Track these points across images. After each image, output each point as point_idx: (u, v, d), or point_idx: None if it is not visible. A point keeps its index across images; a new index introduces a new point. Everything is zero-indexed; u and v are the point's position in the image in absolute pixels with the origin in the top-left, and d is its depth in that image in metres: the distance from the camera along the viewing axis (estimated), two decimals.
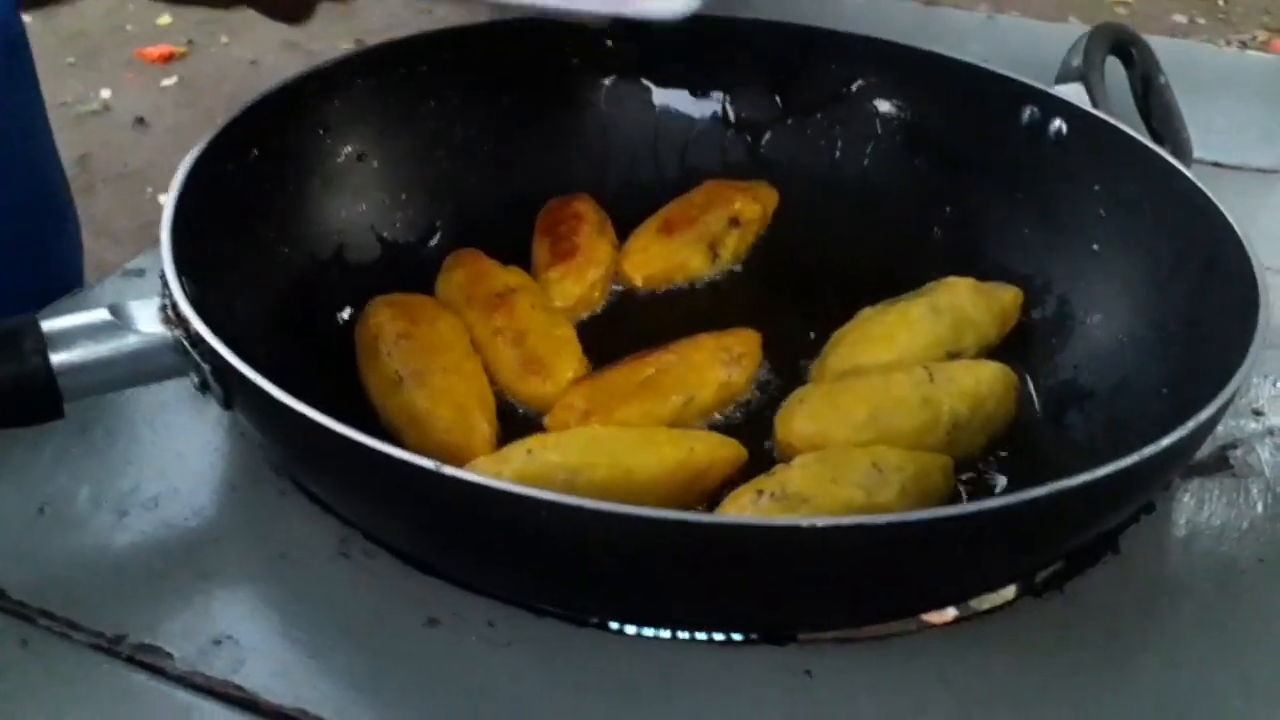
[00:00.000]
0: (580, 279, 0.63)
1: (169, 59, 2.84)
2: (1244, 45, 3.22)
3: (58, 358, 0.40)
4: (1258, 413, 0.54)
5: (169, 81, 2.77)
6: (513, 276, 0.62)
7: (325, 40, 2.97)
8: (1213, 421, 0.42)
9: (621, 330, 0.62)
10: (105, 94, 2.71)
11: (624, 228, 0.68)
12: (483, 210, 0.68)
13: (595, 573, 0.37)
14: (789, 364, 0.59)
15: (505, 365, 0.56)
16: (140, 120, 2.65)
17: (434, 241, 0.66)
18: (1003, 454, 0.54)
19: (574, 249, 0.65)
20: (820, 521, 0.33)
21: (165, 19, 2.93)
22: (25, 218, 0.67)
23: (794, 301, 0.65)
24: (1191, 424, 0.40)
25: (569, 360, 0.57)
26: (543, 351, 0.57)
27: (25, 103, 0.69)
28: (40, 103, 0.71)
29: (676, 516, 0.34)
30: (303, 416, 0.38)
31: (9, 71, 0.66)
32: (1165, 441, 0.39)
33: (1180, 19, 3.37)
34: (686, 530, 0.34)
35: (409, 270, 0.63)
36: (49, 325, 0.41)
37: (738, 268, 0.68)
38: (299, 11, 0.60)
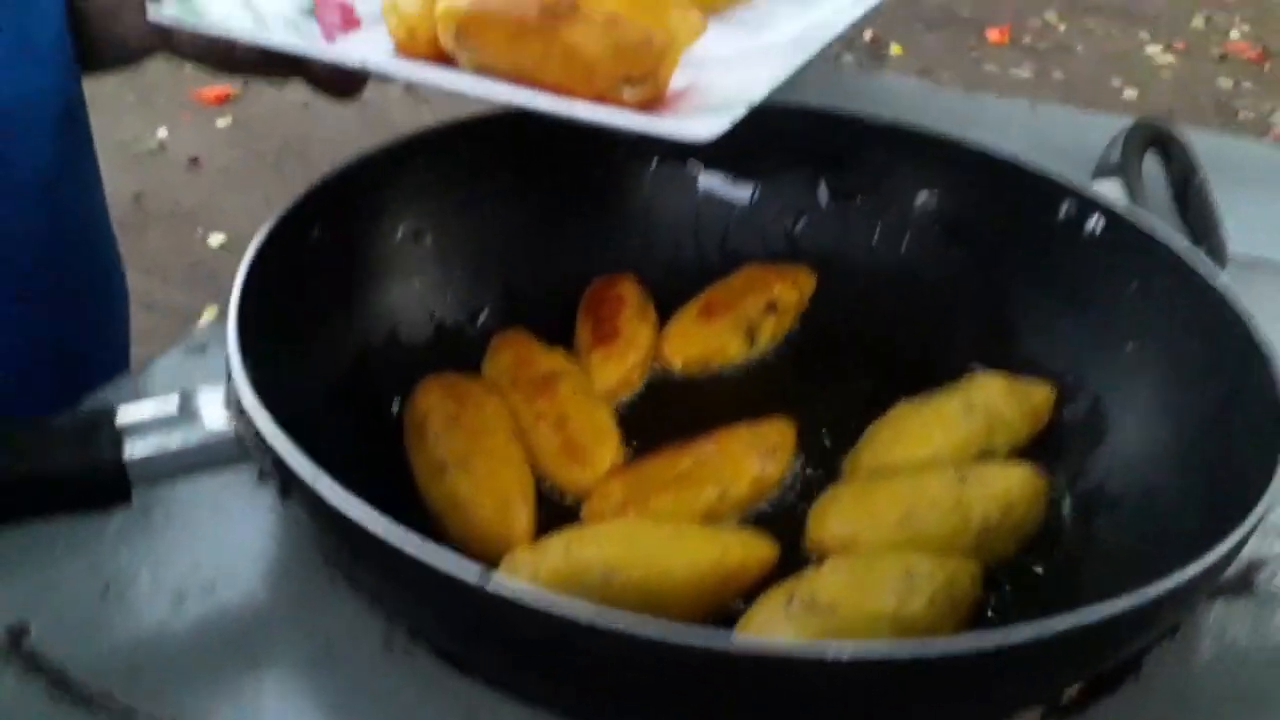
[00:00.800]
0: (621, 362, 0.65)
1: (224, 100, 2.93)
2: None
3: (130, 449, 0.43)
4: None
5: (223, 122, 2.85)
6: (556, 360, 0.63)
7: (376, 87, 3.06)
8: (1234, 551, 0.42)
9: (660, 413, 0.64)
10: (162, 133, 2.80)
11: (665, 308, 0.70)
12: (530, 288, 0.70)
13: (628, 687, 0.39)
14: (823, 455, 0.60)
15: (546, 450, 0.58)
16: (194, 160, 2.72)
17: (483, 319, 0.68)
18: (1030, 558, 0.55)
19: (616, 332, 0.66)
20: (845, 654, 0.35)
21: None
22: (78, 290, 0.70)
23: (829, 388, 0.67)
24: (1211, 556, 0.41)
25: (608, 447, 0.58)
26: (583, 438, 0.58)
27: (83, 172, 0.71)
28: (97, 172, 0.73)
29: (703, 643, 0.35)
30: (354, 521, 0.39)
31: (67, 139, 0.68)
32: (1187, 574, 0.40)
33: (1225, 83, 3.36)
34: (712, 656, 0.35)
35: (458, 348, 0.65)
36: (123, 417, 0.43)
37: (775, 352, 0.70)
38: (349, 88, 0.63)
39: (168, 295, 2.28)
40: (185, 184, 2.65)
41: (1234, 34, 3.70)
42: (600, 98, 0.51)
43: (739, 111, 0.49)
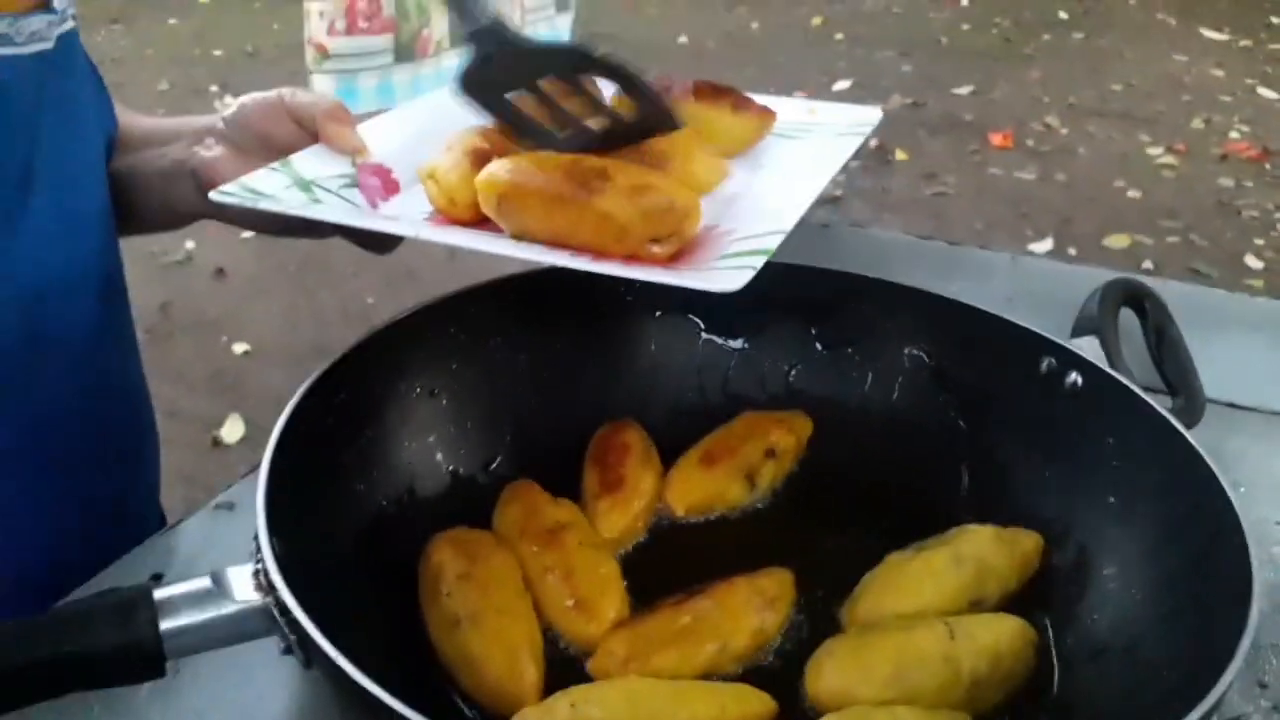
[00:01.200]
0: (626, 511, 0.68)
1: None
2: None
3: (165, 625, 0.46)
4: (1263, 685, 0.56)
5: (248, 234, 2.95)
6: (563, 511, 0.67)
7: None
8: (1208, 715, 0.45)
9: (664, 558, 0.67)
10: (189, 245, 2.89)
11: (668, 452, 0.73)
12: (539, 434, 0.74)
13: None
14: (819, 602, 0.63)
15: (553, 603, 0.61)
16: (220, 271, 2.81)
17: (494, 467, 0.72)
18: (1018, 710, 0.57)
19: (621, 480, 0.70)
20: None
21: None
22: (116, 451, 0.73)
23: (825, 532, 0.70)
24: None
25: (612, 600, 0.61)
26: (588, 591, 0.61)
27: (121, 336, 0.75)
28: (133, 336, 0.77)
29: None
30: (373, 695, 0.42)
31: (108, 306, 0.72)
32: None
33: (1227, 182, 3.43)
34: None
35: (472, 497, 0.69)
36: (159, 594, 0.47)
37: (774, 495, 0.73)
38: (387, 247, 0.68)
39: (192, 403, 2.33)
40: (211, 294, 2.73)
41: (1233, 134, 3.79)
42: (631, 256, 0.56)
43: (759, 262, 0.55)
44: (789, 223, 0.59)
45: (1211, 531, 0.57)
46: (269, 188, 0.62)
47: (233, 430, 2.26)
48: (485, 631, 0.57)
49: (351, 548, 0.61)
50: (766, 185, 0.68)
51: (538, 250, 0.57)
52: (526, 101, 0.66)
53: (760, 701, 0.54)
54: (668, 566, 0.65)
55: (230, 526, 0.63)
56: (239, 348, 2.53)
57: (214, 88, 3.93)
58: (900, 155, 3.49)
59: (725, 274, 0.55)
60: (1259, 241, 3.11)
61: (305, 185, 0.63)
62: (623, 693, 0.53)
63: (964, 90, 4.04)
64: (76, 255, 0.67)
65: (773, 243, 0.57)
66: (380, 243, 0.68)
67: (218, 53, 4.19)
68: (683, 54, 4.38)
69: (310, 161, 0.65)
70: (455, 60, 1.57)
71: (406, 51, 1.34)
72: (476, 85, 0.65)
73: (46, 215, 0.64)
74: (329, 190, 0.64)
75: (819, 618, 0.62)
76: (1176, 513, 0.61)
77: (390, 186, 0.67)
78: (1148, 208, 3.25)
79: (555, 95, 0.65)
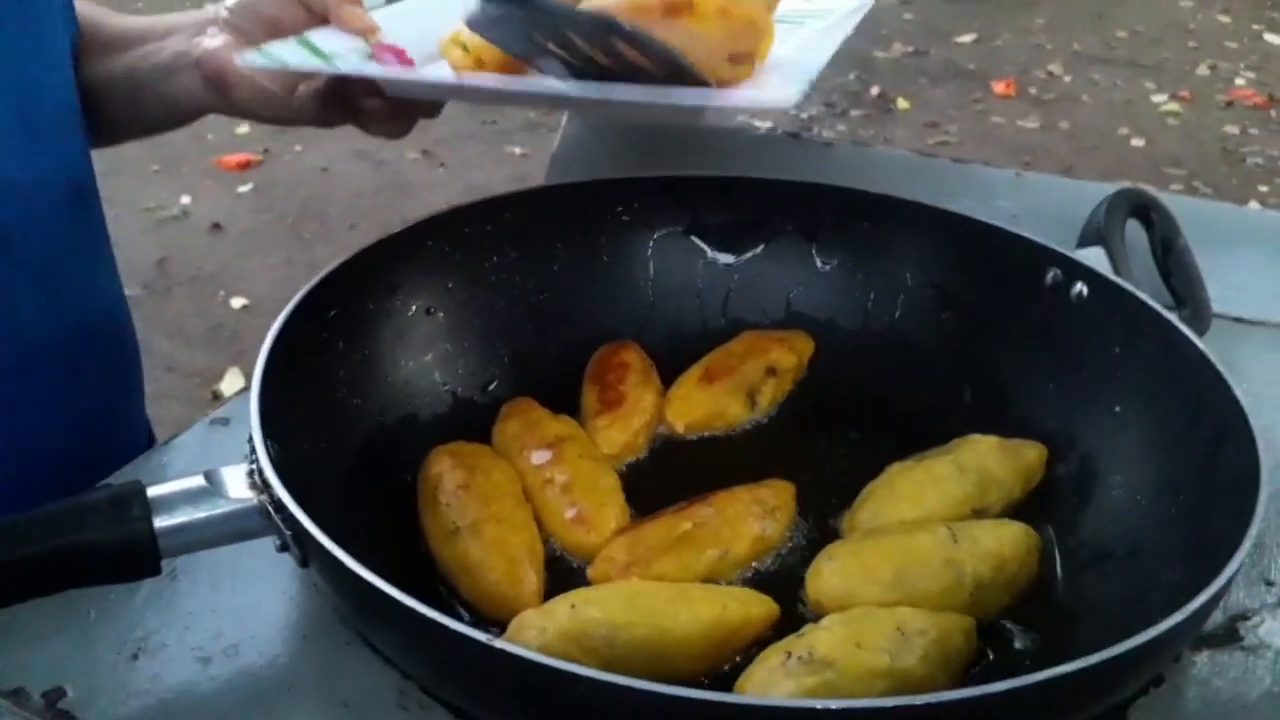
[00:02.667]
0: (626, 427, 0.68)
1: (246, 167, 3.01)
2: None
3: (160, 522, 0.45)
4: (1270, 583, 0.56)
5: (245, 188, 2.93)
6: (563, 426, 0.66)
7: (393, 149, 3.13)
8: (1211, 603, 0.44)
9: (664, 475, 0.66)
10: (185, 200, 2.87)
11: (668, 373, 0.73)
12: (537, 357, 0.73)
13: None
14: (821, 514, 0.63)
15: (553, 514, 0.61)
16: (216, 225, 2.79)
17: (492, 388, 0.71)
18: (1023, 613, 0.56)
19: (621, 398, 0.69)
20: (835, 705, 0.37)
21: (244, 128, 3.11)
22: (91, 367, 0.72)
23: (827, 448, 0.69)
24: (1189, 609, 0.43)
25: (612, 511, 0.61)
26: (588, 502, 0.61)
27: (93, 252, 0.73)
28: (109, 253, 0.75)
29: (702, 696, 0.38)
30: (369, 584, 0.42)
31: (76, 219, 0.70)
32: (1163, 626, 0.42)
33: (1232, 129, 3.40)
34: (708, 709, 0.38)
35: (469, 417, 0.68)
36: (153, 491, 0.46)
37: (775, 414, 0.72)
38: (401, 127, 0.67)
39: (190, 357, 2.33)
40: (207, 249, 2.71)
41: (1239, 81, 3.75)
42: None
43: (807, 82, 0.57)
44: (825, 55, 0.62)
45: (1218, 433, 0.56)
46: (290, 56, 0.61)
47: (232, 384, 2.26)
48: (485, 539, 0.56)
49: (349, 462, 0.61)
50: (781, 53, 0.67)
51: (594, 86, 0.56)
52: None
53: (762, 604, 0.54)
54: (668, 482, 0.65)
55: (225, 442, 0.63)
56: (237, 302, 2.52)
57: None
58: (902, 104, 3.45)
59: (780, 90, 0.57)
60: (1263, 189, 3.08)
61: (324, 56, 0.62)
62: (623, 594, 0.52)
63: (967, 38, 3.99)
64: (39, 159, 0.66)
65: (814, 69, 0.59)
66: (393, 121, 0.67)
67: None
68: None
69: (326, 38, 0.64)
70: None
71: None
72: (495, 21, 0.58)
73: (4, 116, 0.62)
74: (348, 61, 0.63)
75: (821, 528, 0.62)
76: (1182, 418, 0.60)
77: (406, 62, 0.66)
78: (1152, 155, 3.22)
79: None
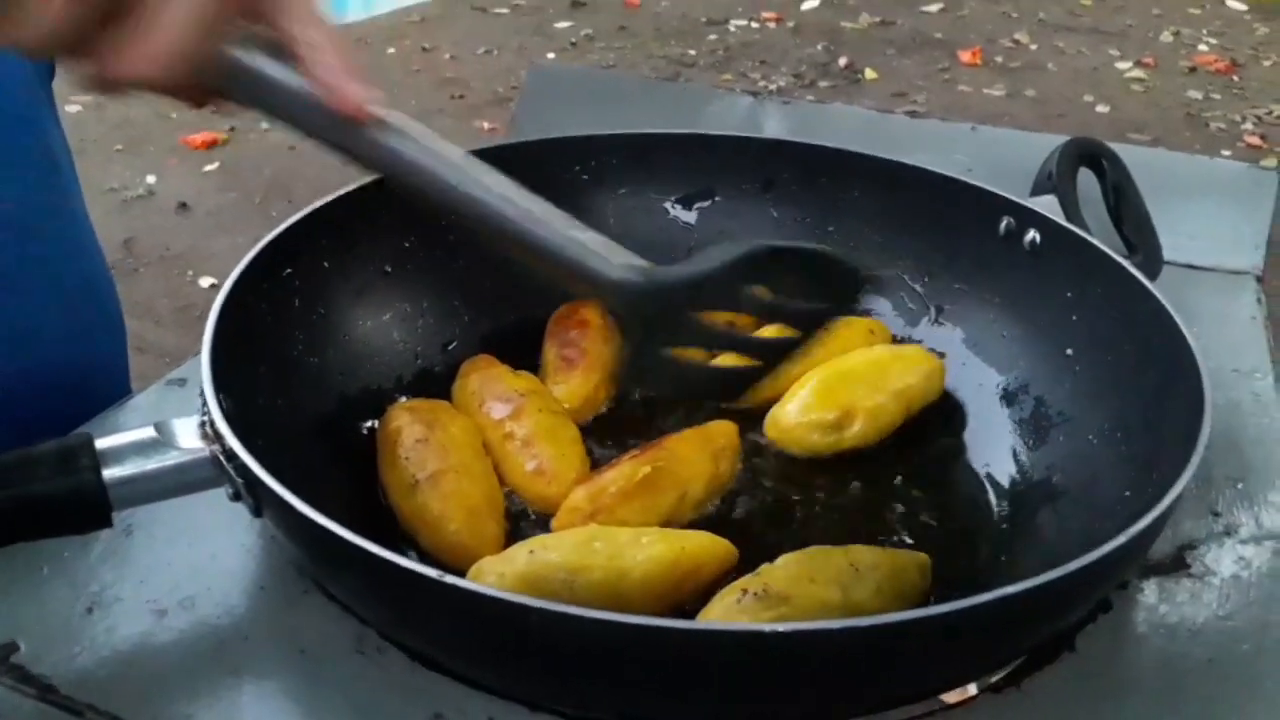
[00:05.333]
0: (586, 382, 0.68)
1: (211, 145, 2.97)
2: (1260, 120, 3.27)
3: (109, 473, 0.45)
4: (1215, 514, 0.57)
5: (211, 167, 2.89)
6: (523, 381, 0.66)
7: None
8: (1153, 527, 0.45)
9: (623, 432, 0.67)
10: (150, 179, 2.83)
11: (624, 330, 0.73)
12: (497, 317, 0.73)
13: (585, 672, 0.41)
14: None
15: (514, 467, 0.61)
16: (183, 205, 2.75)
17: (452, 347, 0.71)
18: (978, 551, 0.57)
19: (581, 354, 0.69)
20: (783, 627, 0.37)
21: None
22: (71, 332, 0.72)
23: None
24: (1130, 532, 0.43)
25: (572, 462, 0.61)
26: (548, 454, 0.61)
27: (67, 220, 0.72)
28: (86, 223, 0.75)
29: (652, 623, 0.38)
30: (322, 528, 0.42)
31: (46, 184, 0.69)
32: (1104, 549, 0.42)
33: (1195, 94, 3.42)
34: (660, 635, 0.38)
35: (428, 377, 0.68)
36: (101, 443, 0.46)
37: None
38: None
39: (159, 337, 2.30)
40: (174, 228, 2.68)
41: (1202, 47, 3.77)
42: None
43: None
44: None
45: (1167, 373, 0.57)
46: None
47: None
48: (444, 491, 0.56)
49: (306, 418, 0.60)
50: None
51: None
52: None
53: (718, 545, 0.54)
54: (629, 436, 0.65)
55: (182, 401, 0.62)
56: (205, 281, 2.50)
57: None
58: (870, 74, 3.45)
59: None
60: (1226, 153, 3.11)
61: None
62: (581, 539, 0.53)
63: (933, 8, 3.99)
64: (9, 127, 0.65)
65: None
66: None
67: None
68: None
69: None
70: None
71: None
72: (642, 375, 0.52)
73: None
74: None
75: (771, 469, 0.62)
76: (1132, 359, 0.61)
77: None
78: (1117, 121, 3.24)
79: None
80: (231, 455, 0.46)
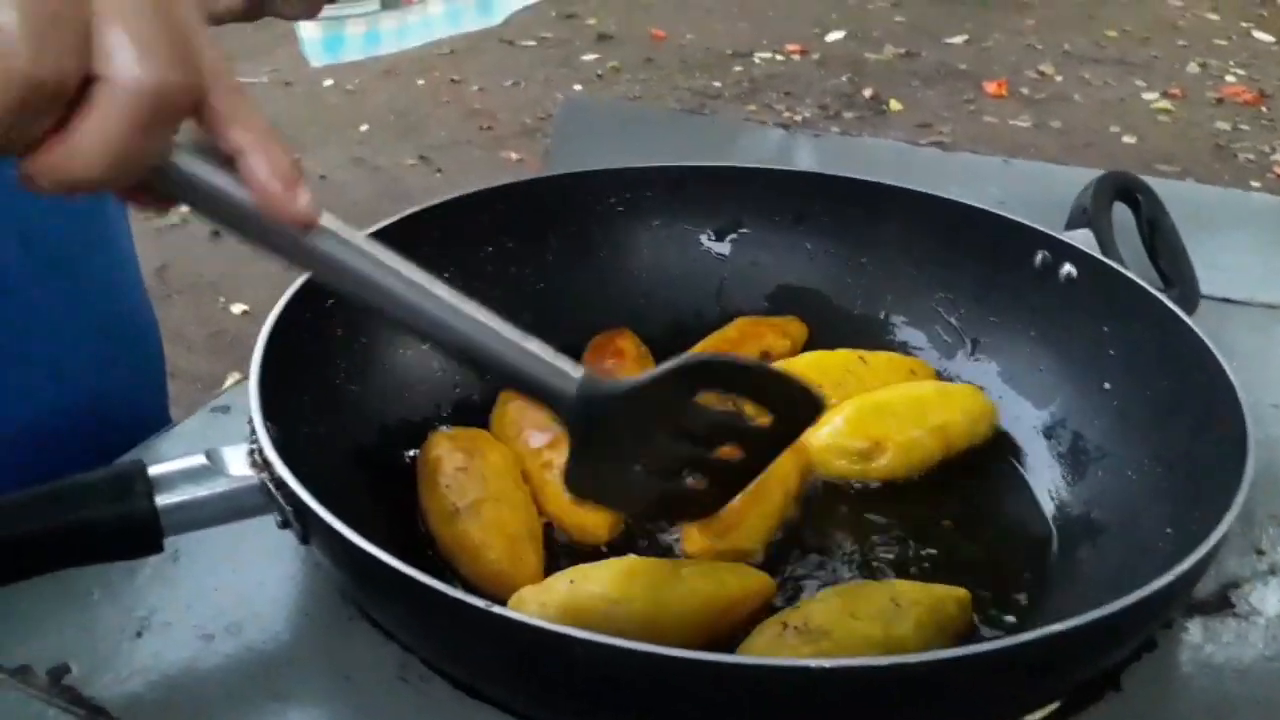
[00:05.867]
0: None
1: None
2: None
3: (162, 499, 0.46)
4: (1260, 552, 0.56)
5: None
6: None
7: (390, 156, 3.15)
8: (1199, 567, 0.45)
9: None
10: (183, 208, 2.88)
11: (663, 360, 0.73)
12: None
13: (628, 704, 0.41)
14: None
15: (552, 496, 0.61)
16: (215, 233, 2.79)
17: (489, 376, 0.72)
18: (1019, 589, 0.57)
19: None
20: (828, 663, 0.37)
21: None
22: (120, 363, 0.73)
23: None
24: (1176, 571, 0.43)
25: None
26: None
27: (113, 249, 0.74)
28: (131, 250, 0.77)
29: (698, 657, 0.38)
30: (370, 555, 0.43)
31: (92, 213, 0.71)
32: (1151, 588, 0.42)
33: (1223, 125, 3.41)
34: (702, 669, 0.38)
35: (467, 405, 0.69)
36: (154, 470, 0.47)
37: None
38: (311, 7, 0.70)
39: (192, 363, 2.33)
40: (207, 255, 2.71)
41: (1229, 78, 3.76)
42: None
43: None
44: None
45: (1206, 407, 0.57)
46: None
47: None
48: (484, 520, 0.57)
49: (348, 447, 0.61)
50: None
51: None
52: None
53: (759, 580, 0.54)
54: None
55: (227, 428, 0.63)
56: (237, 308, 2.53)
57: None
58: (895, 105, 3.47)
59: None
60: (1255, 184, 3.09)
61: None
62: (621, 569, 0.53)
63: (958, 39, 4.01)
64: None
65: None
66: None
67: None
68: (672, 6, 4.33)
69: None
70: (441, 7, 1.55)
71: None
72: (586, 486, 0.50)
73: None
74: None
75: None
76: (1171, 394, 0.61)
77: None
78: (1144, 152, 3.23)
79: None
80: (280, 483, 0.47)
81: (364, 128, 3.29)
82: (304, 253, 0.42)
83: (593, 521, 0.60)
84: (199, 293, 2.59)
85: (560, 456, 0.62)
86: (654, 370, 0.48)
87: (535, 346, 0.46)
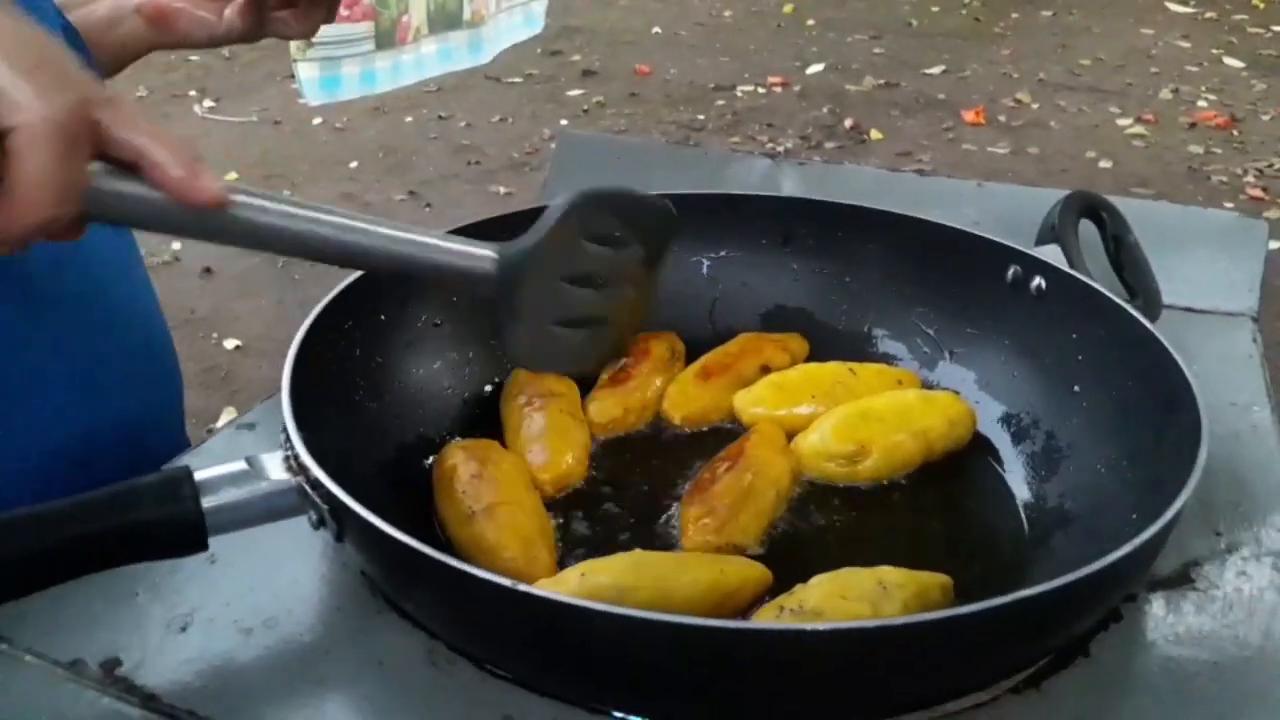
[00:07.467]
0: (619, 403, 0.74)
1: None
2: (1261, 173, 3.34)
3: (207, 501, 0.50)
4: (1218, 533, 0.61)
5: None
6: (560, 385, 0.73)
7: (380, 191, 3.20)
8: (1155, 540, 0.49)
9: (654, 452, 0.72)
10: (176, 246, 2.91)
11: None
12: None
13: (642, 674, 0.45)
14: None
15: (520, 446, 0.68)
16: (207, 270, 2.83)
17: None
18: (996, 573, 0.61)
19: (628, 378, 0.75)
20: (823, 626, 0.42)
21: (233, 174, 3.16)
22: (142, 385, 0.77)
23: None
24: (1134, 544, 0.48)
25: (573, 457, 0.68)
26: (553, 446, 0.68)
27: (132, 280, 0.79)
28: (147, 282, 0.81)
29: (704, 623, 0.43)
30: (405, 544, 0.47)
31: (115, 246, 0.76)
32: (1111, 558, 0.47)
33: (1196, 149, 3.50)
34: (711, 634, 0.42)
35: (477, 416, 0.73)
36: (200, 474, 0.51)
37: None
38: (309, 28, 0.76)
39: (187, 399, 2.35)
40: (199, 292, 2.75)
41: (1201, 103, 3.86)
42: None
43: None
44: None
45: (1166, 405, 0.62)
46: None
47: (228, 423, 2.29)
48: (500, 522, 0.61)
49: (368, 459, 0.65)
50: None
51: None
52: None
53: (758, 570, 0.58)
54: (657, 458, 0.71)
55: (253, 445, 0.67)
56: (230, 343, 2.56)
57: (192, 93, 3.96)
58: (875, 135, 3.54)
59: None
60: (1229, 205, 3.17)
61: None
62: (629, 562, 0.57)
63: (936, 70, 4.10)
64: None
65: None
66: (308, 14, 0.76)
67: (194, 58, 4.21)
68: (656, 43, 4.43)
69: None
70: (434, 46, 1.60)
71: (387, 38, 1.37)
72: (525, 353, 0.55)
73: None
74: None
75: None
76: (1135, 394, 0.66)
77: None
78: (1119, 176, 3.31)
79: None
80: (316, 484, 0.51)
81: (353, 164, 3.35)
82: (229, 228, 0.45)
83: (544, 478, 0.66)
84: (192, 329, 2.62)
85: (540, 418, 0.68)
86: (547, 214, 0.53)
87: (451, 242, 0.50)
